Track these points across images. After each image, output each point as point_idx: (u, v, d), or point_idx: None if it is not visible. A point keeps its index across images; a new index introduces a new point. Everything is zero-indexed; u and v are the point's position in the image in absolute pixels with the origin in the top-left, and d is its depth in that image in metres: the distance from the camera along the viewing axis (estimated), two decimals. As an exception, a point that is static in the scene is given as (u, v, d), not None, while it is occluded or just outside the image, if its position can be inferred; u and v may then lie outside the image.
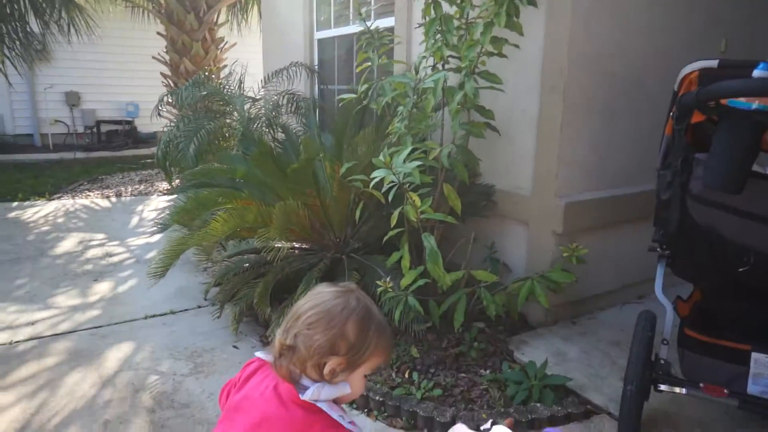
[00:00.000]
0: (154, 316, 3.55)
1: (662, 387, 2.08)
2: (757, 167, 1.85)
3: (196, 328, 3.38)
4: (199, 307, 3.71)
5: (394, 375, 2.72)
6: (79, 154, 10.31)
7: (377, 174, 2.62)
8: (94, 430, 2.38)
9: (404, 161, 2.61)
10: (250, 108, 4.89)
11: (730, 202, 1.96)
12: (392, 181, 2.61)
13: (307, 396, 1.05)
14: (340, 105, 3.95)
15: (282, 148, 4.19)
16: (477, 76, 2.76)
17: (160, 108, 5.84)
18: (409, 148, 2.71)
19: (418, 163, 2.61)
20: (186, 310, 3.66)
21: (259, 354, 1.17)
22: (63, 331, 3.31)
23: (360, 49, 3.53)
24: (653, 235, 2.20)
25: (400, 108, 2.99)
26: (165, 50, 8.61)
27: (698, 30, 3.44)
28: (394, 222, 2.76)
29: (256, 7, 9.59)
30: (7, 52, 7.26)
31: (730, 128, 1.78)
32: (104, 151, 10.72)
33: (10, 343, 3.15)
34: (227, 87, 5.30)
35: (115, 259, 4.72)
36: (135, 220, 6.11)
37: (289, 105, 4.99)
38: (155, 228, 4.08)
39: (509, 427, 1.20)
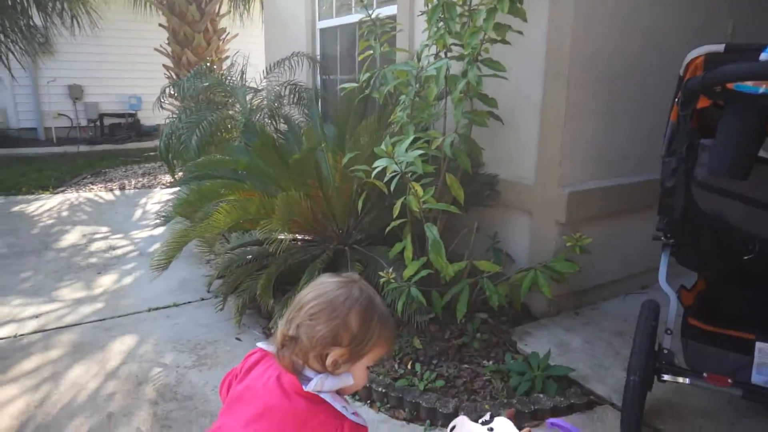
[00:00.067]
0: (157, 308, 3.56)
1: (666, 377, 2.06)
2: (764, 153, 1.83)
3: (199, 320, 3.39)
4: (202, 299, 3.72)
5: (396, 366, 2.72)
6: (83, 148, 10.33)
7: (379, 164, 2.59)
8: (98, 423, 2.39)
9: (407, 151, 2.58)
10: (252, 99, 4.87)
11: (735, 188, 1.93)
12: (394, 171, 2.58)
13: (310, 387, 1.04)
14: (342, 95, 3.91)
15: (284, 138, 4.17)
16: (480, 64, 2.72)
17: (162, 100, 5.82)
18: (412, 138, 2.68)
19: (420, 152, 2.58)
20: (189, 302, 3.67)
21: (261, 345, 1.16)
22: (67, 324, 3.32)
23: (362, 37, 3.50)
24: (657, 224, 2.18)
25: (403, 97, 2.96)
26: (167, 42, 8.60)
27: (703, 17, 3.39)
28: (396, 212, 2.74)
29: (258, -2, 9.55)
30: (10, 45, 7.25)
31: (737, 113, 1.75)
32: (107, 144, 10.73)
33: (15, 336, 3.17)
34: (229, 78, 5.26)
35: (119, 251, 4.73)
36: (138, 212, 6.12)
37: (291, 96, 4.96)
38: (158, 220, 4.08)
39: (510, 418, 1.19)
